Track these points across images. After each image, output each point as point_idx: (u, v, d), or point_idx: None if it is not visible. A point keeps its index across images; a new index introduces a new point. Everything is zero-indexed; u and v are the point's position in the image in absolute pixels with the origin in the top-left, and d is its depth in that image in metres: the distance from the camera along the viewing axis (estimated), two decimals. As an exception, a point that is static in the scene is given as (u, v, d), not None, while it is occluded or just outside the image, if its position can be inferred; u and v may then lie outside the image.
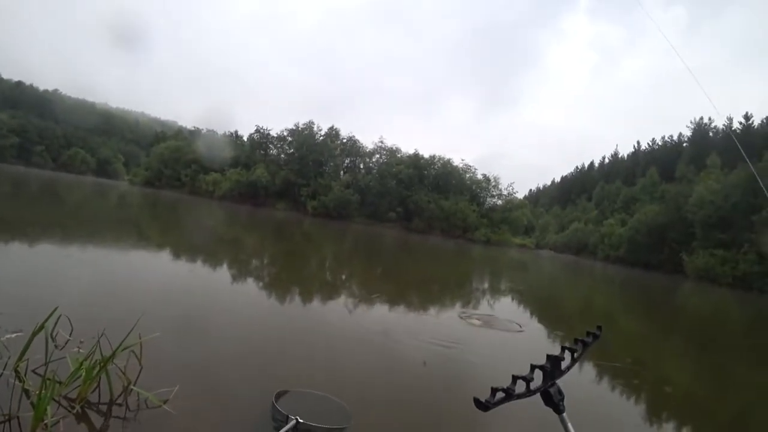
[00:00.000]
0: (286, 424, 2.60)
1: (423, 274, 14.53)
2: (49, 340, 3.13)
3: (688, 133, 59.13)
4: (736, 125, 52.35)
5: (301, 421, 2.64)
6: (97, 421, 2.60)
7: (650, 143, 66.65)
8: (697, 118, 57.61)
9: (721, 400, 5.33)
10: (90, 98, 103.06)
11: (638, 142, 69.94)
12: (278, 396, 2.95)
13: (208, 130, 64.94)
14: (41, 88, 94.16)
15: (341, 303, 7.39)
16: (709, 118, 56.45)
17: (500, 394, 1.06)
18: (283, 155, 55.78)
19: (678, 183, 47.71)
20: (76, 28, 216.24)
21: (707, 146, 50.83)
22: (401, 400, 3.72)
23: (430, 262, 20.01)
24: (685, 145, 58.54)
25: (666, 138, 63.85)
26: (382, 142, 55.88)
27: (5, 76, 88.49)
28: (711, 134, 55.90)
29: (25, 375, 2.79)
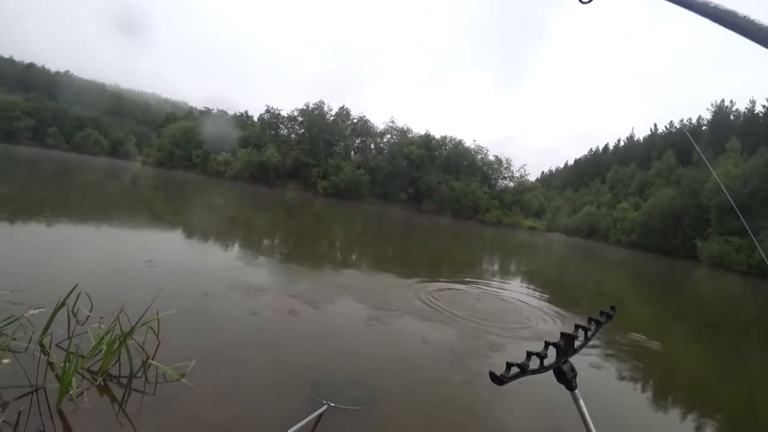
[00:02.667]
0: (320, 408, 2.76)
1: (432, 255, 14.56)
2: (71, 316, 3.24)
3: (707, 116, 57.64)
4: (759, 108, 50.90)
5: (332, 405, 2.81)
6: (118, 392, 2.70)
7: (667, 126, 65.09)
8: (718, 101, 56.07)
9: (732, 384, 5.33)
10: (101, 80, 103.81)
11: (655, 125, 68.39)
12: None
13: (219, 111, 65.00)
14: (53, 70, 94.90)
15: (355, 280, 7.45)
16: (731, 101, 54.92)
17: (515, 369, 1.09)
18: (293, 135, 55.77)
19: (695, 167, 46.68)
20: (85, 10, 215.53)
21: (727, 130, 49.51)
22: (417, 377, 3.79)
23: (440, 244, 20.02)
24: (704, 128, 57.04)
25: (684, 121, 62.30)
26: (393, 122, 55.72)
27: (16, 59, 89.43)
28: (732, 117, 54.37)
29: (49, 348, 2.90)
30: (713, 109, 56.57)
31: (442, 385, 3.73)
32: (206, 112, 65.80)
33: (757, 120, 49.39)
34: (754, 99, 51.62)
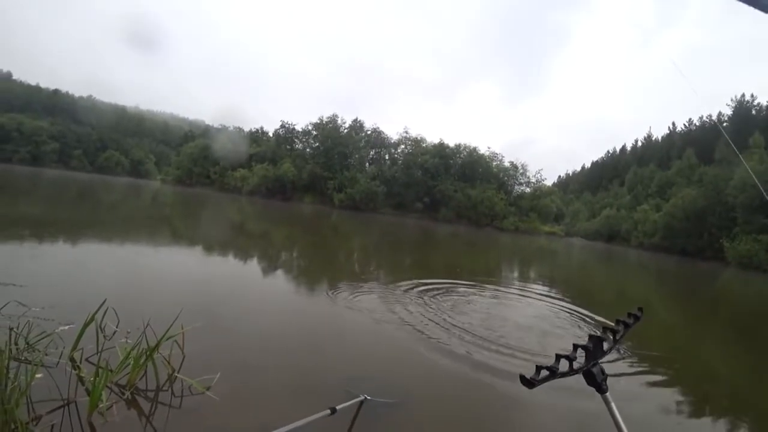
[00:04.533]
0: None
1: (452, 263, 14.46)
2: (99, 331, 3.32)
3: (728, 111, 56.20)
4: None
5: (369, 397, 2.98)
6: (145, 406, 2.75)
7: (687, 124, 63.76)
8: (739, 95, 54.66)
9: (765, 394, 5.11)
10: (121, 102, 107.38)
11: (674, 123, 67.12)
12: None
13: (235, 127, 66.37)
14: (76, 94, 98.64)
15: (376, 288, 7.44)
16: (752, 95, 53.52)
17: (544, 372, 1.08)
18: (308, 149, 56.57)
19: (717, 165, 45.40)
20: (105, 34, 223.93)
21: (749, 125, 48.11)
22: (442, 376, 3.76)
23: (459, 252, 19.88)
24: (725, 124, 55.62)
25: (704, 118, 60.82)
26: (406, 132, 55.92)
27: (42, 86, 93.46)
28: (754, 112, 52.91)
29: (79, 363, 2.98)
30: (734, 104, 55.17)
31: (468, 387, 3.69)
32: (222, 130, 67.24)
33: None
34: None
